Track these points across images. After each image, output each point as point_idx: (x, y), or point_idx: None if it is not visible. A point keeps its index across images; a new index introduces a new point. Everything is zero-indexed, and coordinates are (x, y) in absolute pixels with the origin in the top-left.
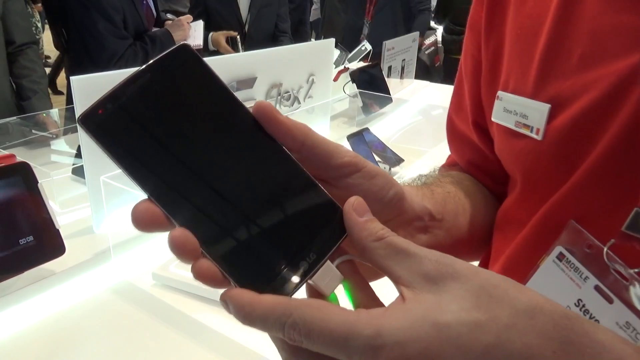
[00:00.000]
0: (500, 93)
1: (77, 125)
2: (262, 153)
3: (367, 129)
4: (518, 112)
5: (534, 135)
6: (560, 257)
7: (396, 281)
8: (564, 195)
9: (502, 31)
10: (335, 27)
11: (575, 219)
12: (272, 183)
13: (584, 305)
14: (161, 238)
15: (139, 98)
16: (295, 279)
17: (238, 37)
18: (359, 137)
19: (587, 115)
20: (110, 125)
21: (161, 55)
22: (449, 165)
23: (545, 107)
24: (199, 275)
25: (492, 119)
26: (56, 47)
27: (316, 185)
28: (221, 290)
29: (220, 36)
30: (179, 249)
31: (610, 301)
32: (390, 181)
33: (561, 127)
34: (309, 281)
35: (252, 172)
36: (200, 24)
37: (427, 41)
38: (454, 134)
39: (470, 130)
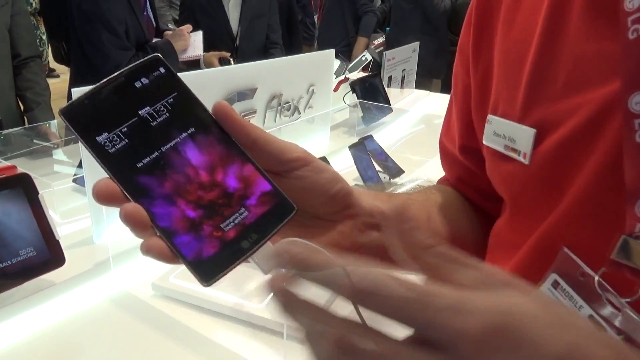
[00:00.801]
0: (490, 117)
1: (59, 115)
2: (216, 146)
3: (370, 136)
4: (506, 135)
5: (521, 159)
6: (555, 285)
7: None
8: (555, 221)
9: (491, 55)
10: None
11: (567, 245)
12: (222, 171)
13: None
14: None
15: (113, 97)
16: (235, 255)
17: (231, 59)
18: (360, 147)
19: (571, 141)
20: (85, 118)
21: (136, 63)
22: (443, 180)
23: (531, 132)
24: (147, 249)
25: (483, 142)
26: (55, 58)
27: (263, 174)
28: (217, 301)
29: (213, 57)
30: (129, 220)
31: (604, 331)
32: (336, 177)
33: (546, 151)
34: (249, 260)
35: (205, 161)
36: (199, 34)
37: (376, 42)
38: (443, 151)
39: (457, 152)
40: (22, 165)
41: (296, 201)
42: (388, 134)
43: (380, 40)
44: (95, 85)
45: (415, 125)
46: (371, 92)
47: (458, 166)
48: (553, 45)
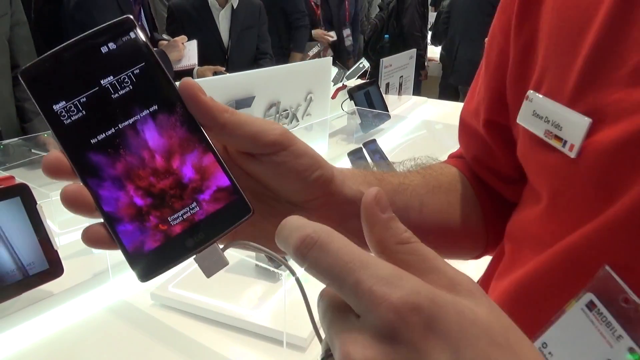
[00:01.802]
0: (530, 93)
1: (19, 77)
2: (177, 130)
3: (374, 140)
4: (550, 119)
5: (566, 151)
6: (591, 306)
7: None
8: (598, 229)
9: (538, 18)
10: None
11: (610, 262)
12: (179, 158)
13: None
14: None
15: (75, 61)
16: (177, 253)
17: (225, 71)
18: (359, 154)
19: (635, 139)
20: (44, 82)
21: (105, 24)
22: (456, 156)
23: (585, 121)
24: (86, 237)
25: (518, 121)
26: None
27: (223, 167)
28: (216, 310)
29: (207, 71)
30: (70, 201)
31: None
32: (317, 162)
33: (601, 147)
34: (193, 259)
35: (162, 145)
36: (194, 44)
37: (311, 53)
38: (463, 126)
39: (479, 126)
40: (21, 176)
41: (272, 187)
42: (386, 141)
43: (314, 50)
44: (60, 46)
45: (414, 132)
46: (369, 99)
47: (478, 143)
48: (625, 20)
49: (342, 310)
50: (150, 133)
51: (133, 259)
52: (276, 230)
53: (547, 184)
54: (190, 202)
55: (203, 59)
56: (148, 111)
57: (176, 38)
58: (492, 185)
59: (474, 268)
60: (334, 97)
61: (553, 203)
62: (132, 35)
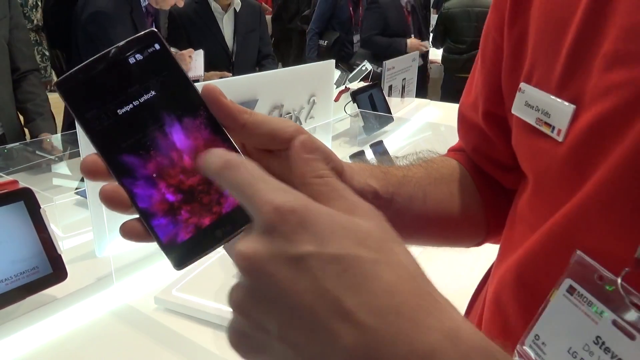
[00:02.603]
0: (522, 85)
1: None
2: (202, 131)
3: (381, 142)
4: (540, 108)
5: (554, 136)
6: (571, 290)
7: None
8: (571, 210)
9: (528, 15)
10: None
11: (583, 241)
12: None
13: (603, 343)
14: (164, 262)
15: (105, 71)
16: (207, 243)
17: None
18: (361, 157)
19: (604, 121)
20: (77, 91)
21: (131, 38)
22: (455, 149)
23: (569, 108)
24: (124, 231)
25: (512, 112)
26: (52, 66)
27: None
28: (220, 314)
29: (214, 77)
30: (108, 200)
31: (632, 337)
32: (329, 156)
33: (579, 130)
34: (222, 246)
35: (189, 145)
36: (200, 54)
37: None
38: (462, 119)
39: (478, 118)
40: (23, 180)
41: (286, 179)
42: (390, 143)
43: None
44: (91, 59)
45: (417, 134)
46: (372, 102)
47: (477, 134)
48: (600, 14)
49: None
50: (177, 134)
51: (168, 249)
52: (204, 156)
53: (534, 167)
54: (217, 196)
55: (208, 64)
56: (174, 114)
57: (183, 51)
58: (491, 174)
59: (478, 257)
60: (336, 99)
61: (537, 186)
62: (157, 46)
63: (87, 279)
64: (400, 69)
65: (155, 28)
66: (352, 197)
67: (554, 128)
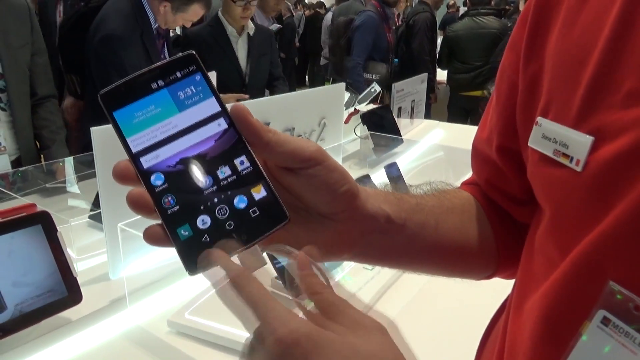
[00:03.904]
0: (540, 119)
1: (98, 99)
2: (228, 147)
3: (394, 163)
4: (558, 140)
5: (573, 166)
6: (606, 321)
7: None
8: (598, 239)
9: (543, 55)
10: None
11: (614, 271)
12: (228, 171)
13: None
14: (178, 285)
15: (144, 88)
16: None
17: (247, 99)
18: (366, 180)
19: (630, 153)
20: (118, 103)
21: (171, 58)
22: (468, 183)
23: (588, 139)
24: (148, 236)
25: (529, 144)
26: (68, 90)
27: (265, 180)
28: (232, 338)
29: (231, 99)
30: (134, 204)
31: None
32: (345, 178)
33: (602, 160)
34: (236, 256)
35: (214, 159)
36: (213, 75)
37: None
38: (476, 153)
39: (492, 152)
40: (38, 201)
41: (305, 198)
42: (400, 164)
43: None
44: (134, 74)
45: (427, 155)
46: (381, 123)
47: (490, 168)
48: (620, 53)
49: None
50: (205, 149)
51: (184, 255)
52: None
53: (553, 197)
54: (236, 209)
55: (222, 86)
56: (204, 130)
57: None
58: (504, 207)
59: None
60: (346, 122)
61: (557, 217)
62: (194, 67)
63: (101, 301)
64: (409, 90)
65: (167, 50)
66: (352, 312)
67: (572, 158)
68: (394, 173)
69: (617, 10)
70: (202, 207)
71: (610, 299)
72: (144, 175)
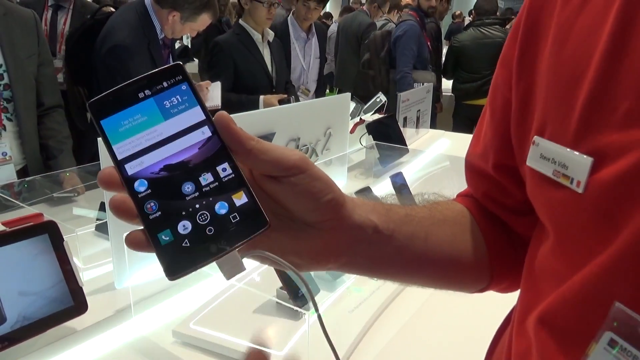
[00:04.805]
0: (537, 139)
1: (87, 107)
2: (210, 154)
3: (400, 173)
4: (556, 160)
5: (574, 187)
6: (613, 343)
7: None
8: (605, 262)
9: (534, 71)
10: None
11: (620, 295)
12: (209, 178)
13: None
14: (183, 295)
15: (131, 97)
16: (202, 257)
17: (292, 98)
18: (366, 193)
19: (633, 175)
20: (105, 112)
21: (158, 69)
22: (463, 195)
23: (587, 160)
24: (129, 241)
25: (527, 164)
26: (74, 105)
27: (246, 186)
28: (237, 348)
29: (273, 99)
30: (117, 209)
31: None
32: (329, 187)
33: (604, 182)
34: (215, 262)
35: (196, 166)
36: (218, 86)
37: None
38: (471, 167)
39: (488, 168)
40: (44, 210)
41: (289, 206)
42: (405, 174)
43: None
44: (121, 85)
45: (432, 165)
46: (387, 133)
47: (488, 182)
48: (615, 72)
49: None
50: (188, 156)
51: (164, 259)
52: None
53: (556, 218)
54: (217, 214)
55: (253, 88)
56: (188, 138)
57: (201, 83)
58: (503, 219)
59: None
60: (352, 131)
61: (563, 236)
62: (180, 77)
63: (106, 310)
64: (414, 100)
65: (172, 60)
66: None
67: (572, 180)
68: (399, 183)
69: (610, 29)
70: (183, 213)
71: (617, 320)
72: (128, 181)
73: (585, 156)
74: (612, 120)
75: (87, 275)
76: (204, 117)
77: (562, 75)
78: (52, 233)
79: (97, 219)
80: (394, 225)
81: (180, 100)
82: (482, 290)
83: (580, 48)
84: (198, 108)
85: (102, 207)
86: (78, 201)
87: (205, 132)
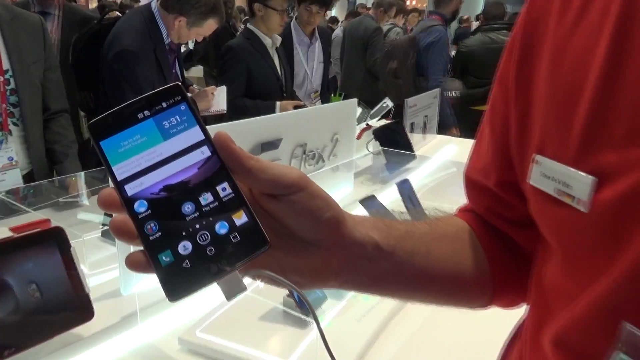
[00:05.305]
0: (538, 157)
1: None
2: (210, 174)
3: (407, 180)
4: (558, 179)
5: (577, 206)
6: None
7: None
8: (612, 281)
9: (529, 91)
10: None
11: (633, 311)
12: (210, 198)
13: None
14: (189, 302)
15: (131, 118)
16: (203, 278)
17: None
18: (371, 202)
19: (635, 194)
20: (105, 133)
21: (157, 90)
22: (464, 210)
23: (589, 179)
24: (129, 262)
25: (529, 182)
26: (81, 108)
27: (246, 206)
28: (244, 357)
29: (289, 105)
30: (117, 230)
31: None
32: (329, 204)
33: (608, 201)
34: (216, 282)
35: (196, 186)
36: (223, 90)
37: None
38: (471, 183)
39: (489, 182)
40: (50, 215)
41: (289, 224)
42: (412, 181)
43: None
44: (120, 106)
45: (440, 171)
46: (394, 139)
47: (490, 197)
48: (613, 91)
49: None
50: (188, 176)
51: (165, 281)
52: None
53: (561, 237)
54: (217, 234)
55: (264, 92)
56: (187, 158)
57: (206, 88)
58: (507, 232)
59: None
60: (359, 137)
61: (570, 255)
62: (179, 97)
63: (112, 317)
64: (421, 106)
65: (178, 64)
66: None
67: (575, 199)
68: (406, 189)
69: (605, 49)
70: (183, 233)
71: (628, 340)
72: (128, 202)
73: (587, 175)
74: (612, 139)
75: (93, 281)
76: (203, 137)
77: (559, 94)
78: (60, 239)
79: (103, 224)
80: (395, 241)
81: (179, 120)
82: (484, 306)
83: (576, 67)
84: (197, 128)
85: (107, 213)
86: (83, 206)
87: (204, 152)
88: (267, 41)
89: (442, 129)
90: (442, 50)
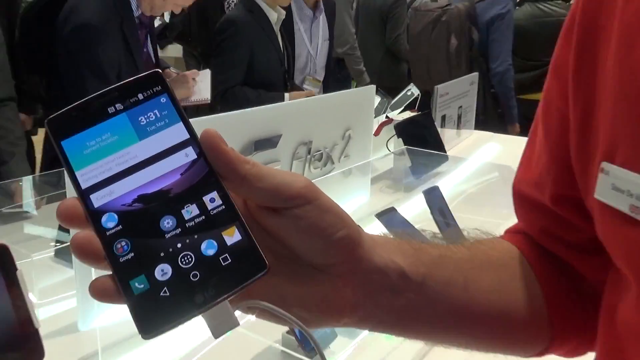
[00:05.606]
0: (606, 165)
1: (45, 125)
2: (195, 182)
3: (436, 187)
4: (634, 193)
5: None
6: None
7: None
8: None
9: (592, 82)
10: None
11: None
12: (195, 212)
13: None
14: (163, 340)
15: (99, 113)
16: (185, 309)
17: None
18: (391, 215)
19: None
20: (67, 131)
21: (132, 79)
22: (512, 231)
23: None
24: (94, 287)
25: (596, 197)
26: (32, 98)
27: (240, 222)
28: None
29: (300, 97)
30: (79, 250)
31: None
32: (343, 221)
33: None
34: (201, 315)
35: (175, 195)
36: (207, 75)
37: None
38: (522, 198)
39: (544, 198)
40: None
41: (292, 245)
42: (443, 188)
43: None
44: (87, 97)
45: (478, 177)
46: (421, 136)
47: (544, 215)
48: None
49: None
50: (168, 184)
51: (137, 313)
52: None
53: (636, 264)
54: (203, 256)
55: (265, 78)
56: (168, 161)
57: (187, 72)
58: (567, 260)
59: None
60: (377, 133)
61: None
62: (157, 88)
63: (67, 358)
64: (455, 95)
65: (151, 41)
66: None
67: None
68: (436, 199)
69: None
70: (162, 254)
71: None
72: (94, 215)
73: None
74: None
75: (44, 312)
76: (187, 136)
77: (633, 86)
78: (2, 260)
79: (57, 241)
80: (425, 269)
81: (159, 115)
82: (540, 353)
83: None
84: (181, 125)
85: (63, 227)
86: (33, 217)
87: (189, 154)
88: (273, 16)
89: (501, 125)
90: (511, 24)
